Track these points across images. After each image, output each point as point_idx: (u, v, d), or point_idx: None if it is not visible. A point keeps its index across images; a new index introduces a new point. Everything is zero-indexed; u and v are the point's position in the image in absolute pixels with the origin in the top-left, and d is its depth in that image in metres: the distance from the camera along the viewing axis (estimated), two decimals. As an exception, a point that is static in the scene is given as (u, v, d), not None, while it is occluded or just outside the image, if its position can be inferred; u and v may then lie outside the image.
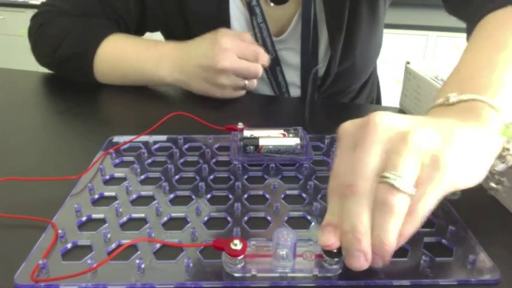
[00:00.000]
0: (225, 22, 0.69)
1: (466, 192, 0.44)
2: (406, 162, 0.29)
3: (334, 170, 0.32)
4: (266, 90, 0.76)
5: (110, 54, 0.68)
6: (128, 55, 0.67)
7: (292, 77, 0.75)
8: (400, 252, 0.35)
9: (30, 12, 2.69)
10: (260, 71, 0.61)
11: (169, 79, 0.65)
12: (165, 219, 0.39)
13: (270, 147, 0.47)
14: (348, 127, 0.33)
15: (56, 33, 0.70)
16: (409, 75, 0.62)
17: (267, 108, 0.66)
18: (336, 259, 0.32)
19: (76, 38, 0.68)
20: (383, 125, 0.31)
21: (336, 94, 0.77)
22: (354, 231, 0.29)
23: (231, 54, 0.59)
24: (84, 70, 0.68)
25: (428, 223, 0.38)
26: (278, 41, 0.72)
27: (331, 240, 0.30)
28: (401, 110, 0.65)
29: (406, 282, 0.32)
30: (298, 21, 0.69)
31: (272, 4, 0.69)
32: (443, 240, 0.36)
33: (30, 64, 0.73)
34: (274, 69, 0.73)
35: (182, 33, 0.70)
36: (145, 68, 0.66)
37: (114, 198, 0.42)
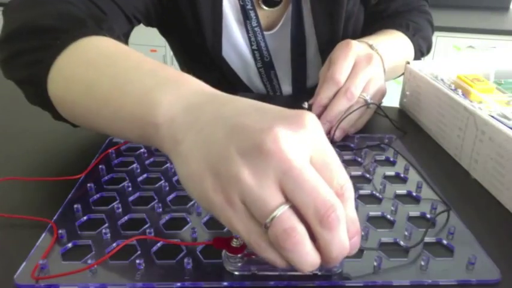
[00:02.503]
0: (218, 26, 0.66)
1: (466, 193, 0.44)
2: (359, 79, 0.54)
3: (336, 71, 0.53)
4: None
5: (82, 55, 0.41)
6: (115, 60, 0.39)
7: (284, 75, 0.74)
8: (400, 252, 0.35)
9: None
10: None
11: (166, 111, 0.32)
12: (165, 219, 0.39)
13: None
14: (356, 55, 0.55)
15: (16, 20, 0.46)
16: (409, 75, 0.62)
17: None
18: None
19: (37, 31, 0.43)
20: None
21: None
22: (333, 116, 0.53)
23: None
24: (36, 71, 0.42)
25: (428, 223, 0.39)
26: (269, 35, 0.71)
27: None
28: (401, 110, 0.65)
29: (405, 282, 0.32)
30: (288, 19, 0.69)
31: (266, 8, 0.69)
32: (444, 240, 0.36)
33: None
34: (269, 73, 0.73)
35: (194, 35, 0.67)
36: (139, 80, 0.36)
37: (114, 198, 0.42)
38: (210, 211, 0.30)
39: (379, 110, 0.56)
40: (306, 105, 0.54)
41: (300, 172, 0.26)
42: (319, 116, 0.53)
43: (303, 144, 0.28)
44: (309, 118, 0.28)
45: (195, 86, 0.34)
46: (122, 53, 0.40)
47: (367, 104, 0.53)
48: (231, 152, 0.27)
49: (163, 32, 0.77)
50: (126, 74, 0.37)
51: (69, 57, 0.41)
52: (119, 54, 0.40)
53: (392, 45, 0.68)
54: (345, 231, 0.27)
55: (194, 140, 0.30)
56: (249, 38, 0.69)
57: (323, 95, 0.53)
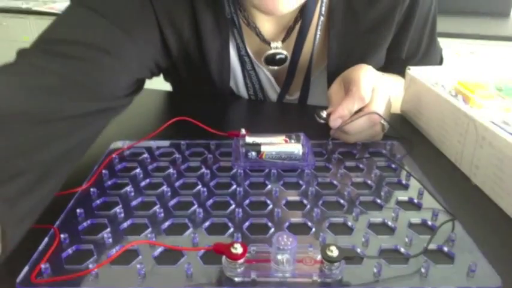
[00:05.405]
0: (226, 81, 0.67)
1: (467, 199, 0.44)
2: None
3: (362, 90, 0.51)
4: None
5: None
6: None
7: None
8: (401, 258, 0.35)
9: (33, 19, 2.71)
10: None
11: None
12: (167, 224, 0.39)
13: (272, 153, 0.47)
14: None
15: None
16: (410, 81, 0.62)
17: (269, 114, 0.66)
18: (336, 264, 0.32)
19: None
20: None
21: None
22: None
23: None
24: None
25: (429, 230, 0.39)
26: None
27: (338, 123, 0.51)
28: (402, 116, 0.65)
29: (406, 289, 0.32)
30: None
31: (269, 67, 0.66)
32: (444, 247, 0.36)
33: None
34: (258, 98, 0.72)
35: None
36: None
37: (117, 203, 0.42)
38: None
39: (387, 133, 0.55)
40: (324, 114, 0.52)
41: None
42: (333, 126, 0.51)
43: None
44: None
45: None
46: None
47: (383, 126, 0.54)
48: None
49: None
50: None
51: None
52: None
53: (392, 80, 0.73)
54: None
55: None
56: (246, 84, 0.69)
57: (345, 107, 0.51)
